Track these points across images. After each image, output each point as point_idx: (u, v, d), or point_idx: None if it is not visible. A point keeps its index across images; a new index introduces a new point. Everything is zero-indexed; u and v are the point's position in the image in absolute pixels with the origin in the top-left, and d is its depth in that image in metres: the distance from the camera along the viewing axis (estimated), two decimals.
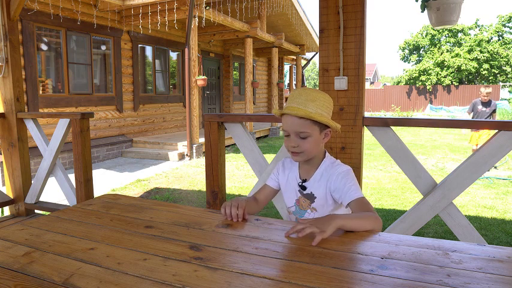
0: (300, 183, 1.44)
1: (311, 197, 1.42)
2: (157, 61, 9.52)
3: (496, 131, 1.94)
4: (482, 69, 26.81)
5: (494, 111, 6.19)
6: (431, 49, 29.62)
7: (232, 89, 12.73)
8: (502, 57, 26.66)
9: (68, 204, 3.32)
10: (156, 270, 0.94)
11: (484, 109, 6.16)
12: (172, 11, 7.57)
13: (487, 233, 3.53)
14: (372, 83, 52.17)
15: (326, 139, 1.39)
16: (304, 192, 1.43)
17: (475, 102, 6.32)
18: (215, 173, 2.51)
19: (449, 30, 28.33)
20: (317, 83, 15.43)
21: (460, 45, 28.53)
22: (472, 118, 6.25)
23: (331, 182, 1.37)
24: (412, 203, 4.46)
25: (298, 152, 1.35)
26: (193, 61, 7.87)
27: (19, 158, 3.37)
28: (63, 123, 3.13)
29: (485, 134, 5.91)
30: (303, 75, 17.20)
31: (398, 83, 31.64)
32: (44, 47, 6.80)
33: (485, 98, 6.17)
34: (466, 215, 3.83)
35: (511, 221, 3.89)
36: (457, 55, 27.27)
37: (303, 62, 17.76)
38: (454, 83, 26.53)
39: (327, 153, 1.45)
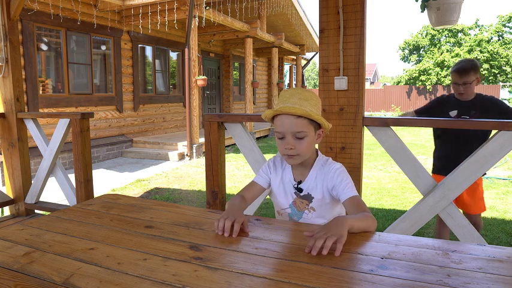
0: (296, 185, 1.41)
1: (308, 198, 1.40)
2: (157, 61, 9.51)
3: (496, 131, 1.94)
4: (482, 69, 26.80)
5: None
6: (431, 49, 29.63)
7: (232, 89, 12.73)
8: (502, 57, 26.66)
9: (68, 204, 3.32)
10: (156, 270, 0.94)
11: (465, 117, 2.54)
12: (172, 11, 7.56)
13: (487, 233, 3.53)
14: (372, 83, 52.17)
15: (319, 140, 1.37)
16: (301, 194, 1.41)
17: (439, 100, 2.74)
18: (215, 173, 2.51)
19: (449, 30, 28.33)
20: (317, 83, 15.44)
21: (460, 45, 28.53)
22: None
23: (327, 180, 1.36)
24: (412, 203, 4.46)
25: (293, 155, 1.32)
26: (193, 61, 7.86)
27: (19, 158, 3.37)
28: (63, 123, 3.13)
29: None
30: (303, 75, 17.20)
31: (398, 83, 31.63)
32: (44, 47, 6.80)
33: (462, 89, 2.51)
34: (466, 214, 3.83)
35: (511, 221, 3.89)
36: (457, 55, 27.27)
37: (303, 62, 17.77)
38: None
39: (319, 152, 1.44)
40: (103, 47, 7.96)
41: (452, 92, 2.68)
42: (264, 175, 1.50)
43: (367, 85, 44.44)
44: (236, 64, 13.28)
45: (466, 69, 2.49)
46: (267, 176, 1.50)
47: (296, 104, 1.28)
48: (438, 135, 2.76)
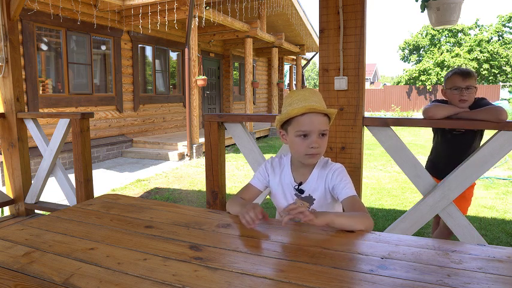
0: (297, 187, 1.41)
1: (309, 200, 1.40)
2: (157, 61, 9.51)
3: (496, 131, 1.94)
4: (482, 69, 26.80)
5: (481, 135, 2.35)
6: (431, 49, 29.64)
7: (232, 89, 12.72)
8: (502, 57, 26.66)
9: (68, 204, 3.32)
10: (156, 270, 0.94)
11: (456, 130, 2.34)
12: (172, 11, 7.56)
13: (487, 233, 3.53)
14: (372, 83, 52.17)
15: None
16: (302, 195, 1.41)
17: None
18: (215, 173, 2.51)
19: (449, 30, 28.34)
20: (317, 83, 15.44)
21: (460, 45, 28.54)
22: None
23: (328, 180, 1.37)
24: (412, 203, 4.45)
25: (317, 154, 1.33)
26: (193, 61, 7.86)
27: (19, 158, 3.37)
28: (63, 123, 3.13)
29: None
30: (303, 75, 17.20)
31: (398, 83, 31.63)
32: (44, 47, 6.79)
33: (465, 94, 2.16)
34: (466, 215, 3.82)
35: (511, 221, 3.89)
36: (457, 55, 27.28)
37: (303, 62, 17.76)
38: None
39: None
40: (103, 47, 7.95)
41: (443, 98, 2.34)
42: (261, 178, 1.49)
43: (367, 85, 44.44)
44: (236, 64, 13.28)
45: (469, 72, 2.20)
46: (264, 179, 1.49)
47: (319, 103, 1.33)
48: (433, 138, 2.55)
